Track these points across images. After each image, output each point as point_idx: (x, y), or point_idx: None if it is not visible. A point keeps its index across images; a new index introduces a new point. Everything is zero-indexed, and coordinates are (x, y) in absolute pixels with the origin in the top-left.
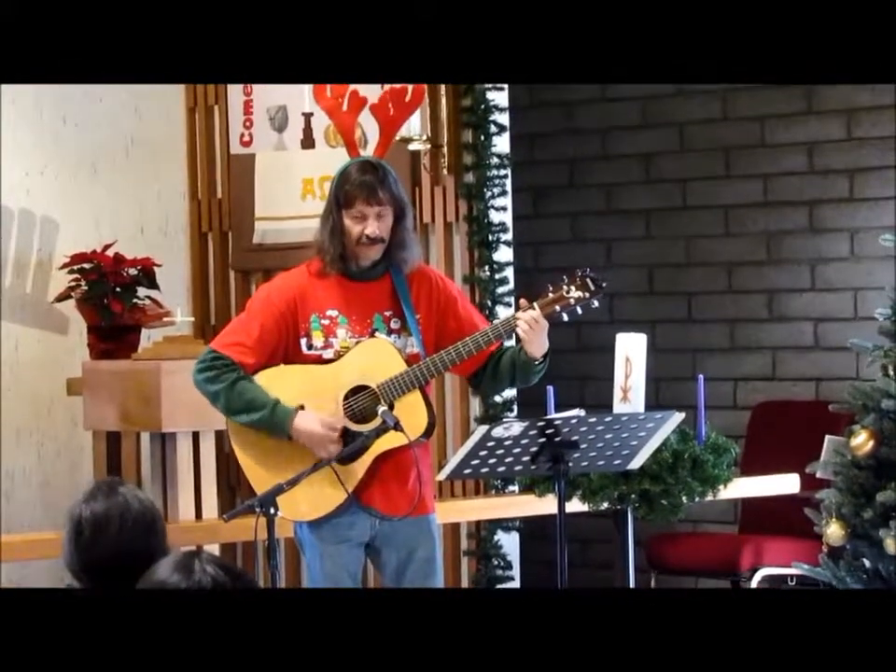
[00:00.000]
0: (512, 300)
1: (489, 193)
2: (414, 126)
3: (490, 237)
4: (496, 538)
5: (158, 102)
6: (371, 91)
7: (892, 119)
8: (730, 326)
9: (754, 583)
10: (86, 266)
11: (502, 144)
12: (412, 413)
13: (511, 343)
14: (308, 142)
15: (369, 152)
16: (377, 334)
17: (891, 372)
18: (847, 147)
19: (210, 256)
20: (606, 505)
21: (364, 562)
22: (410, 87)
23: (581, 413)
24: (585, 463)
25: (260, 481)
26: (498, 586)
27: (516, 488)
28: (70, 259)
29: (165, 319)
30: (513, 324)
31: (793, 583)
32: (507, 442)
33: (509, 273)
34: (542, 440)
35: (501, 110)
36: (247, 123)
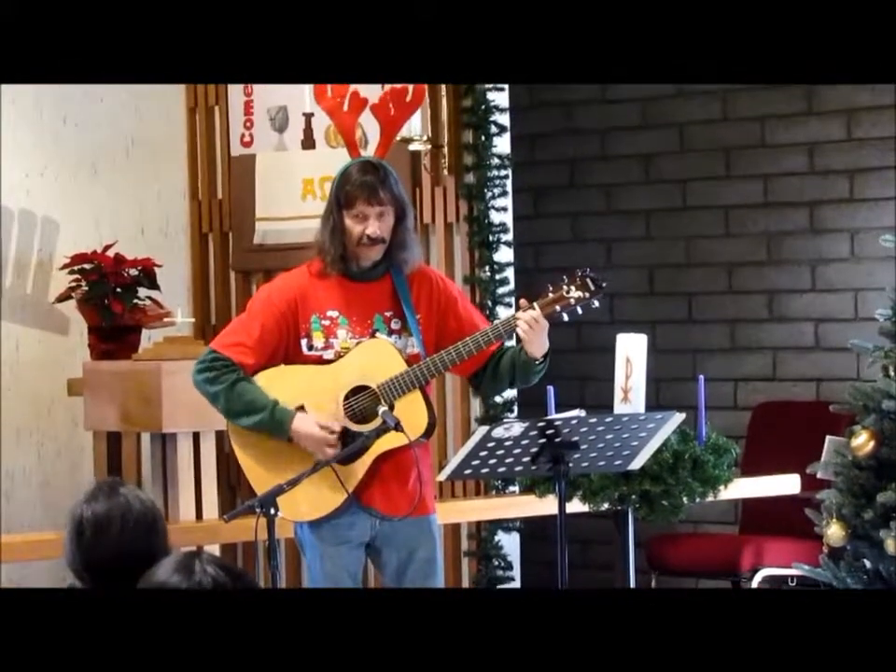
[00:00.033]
0: (513, 300)
1: (489, 194)
2: (415, 126)
3: (490, 237)
4: (496, 538)
5: (158, 102)
6: (372, 92)
7: (892, 119)
8: (730, 326)
9: (755, 584)
10: (86, 266)
11: (503, 144)
12: (412, 413)
13: (511, 343)
14: (308, 142)
15: (369, 152)
16: (377, 335)
17: (892, 373)
18: (848, 147)
19: (210, 256)
20: (606, 506)
21: (364, 562)
22: (410, 87)
23: (582, 413)
24: (586, 464)
25: (261, 481)
26: (499, 587)
27: (517, 489)
28: (70, 259)
29: (166, 320)
30: (513, 324)
31: (794, 584)
32: (507, 443)
33: (509, 273)
34: (543, 440)
35: (502, 111)
36: (248, 124)
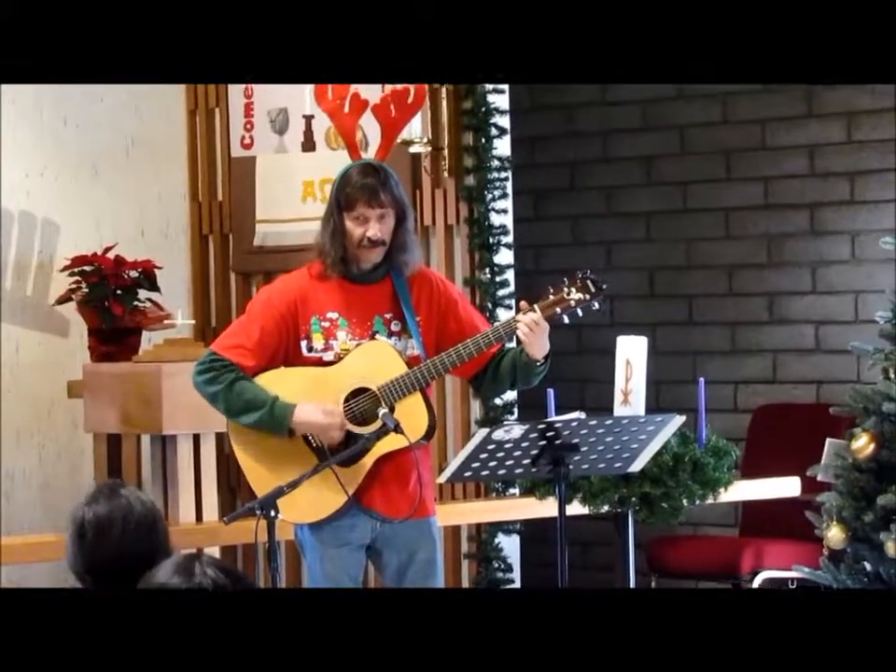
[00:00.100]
0: (513, 302)
1: (490, 196)
2: (415, 129)
3: (491, 240)
4: (496, 540)
5: (158, 102)
6: (373, 93)
7: (892, 122)
8: (730, 329)
9: (755, 586)
10: (87, 268)
11: (503, 146)
12: (412, 415)
13: (511, 345)
14: (309, 144)
15: (370, 155)
16: (377, 336)
17: (892, 375)
18: (848, 149)
19: (211, 258)
20: (606, 508)
21: (365, 564)
22: (412, 89)
23: (582, 415)
24: (586, 466)
25: (261, 483)
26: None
27: (517, 491)
28: (71, 261)
29: (166, 322)
30: (514, 326)
31: (794, 586)
32: (507, 445)
33: (509, 275)
34: (543, 442)
35: (502, 113)
36: (248, 126)
